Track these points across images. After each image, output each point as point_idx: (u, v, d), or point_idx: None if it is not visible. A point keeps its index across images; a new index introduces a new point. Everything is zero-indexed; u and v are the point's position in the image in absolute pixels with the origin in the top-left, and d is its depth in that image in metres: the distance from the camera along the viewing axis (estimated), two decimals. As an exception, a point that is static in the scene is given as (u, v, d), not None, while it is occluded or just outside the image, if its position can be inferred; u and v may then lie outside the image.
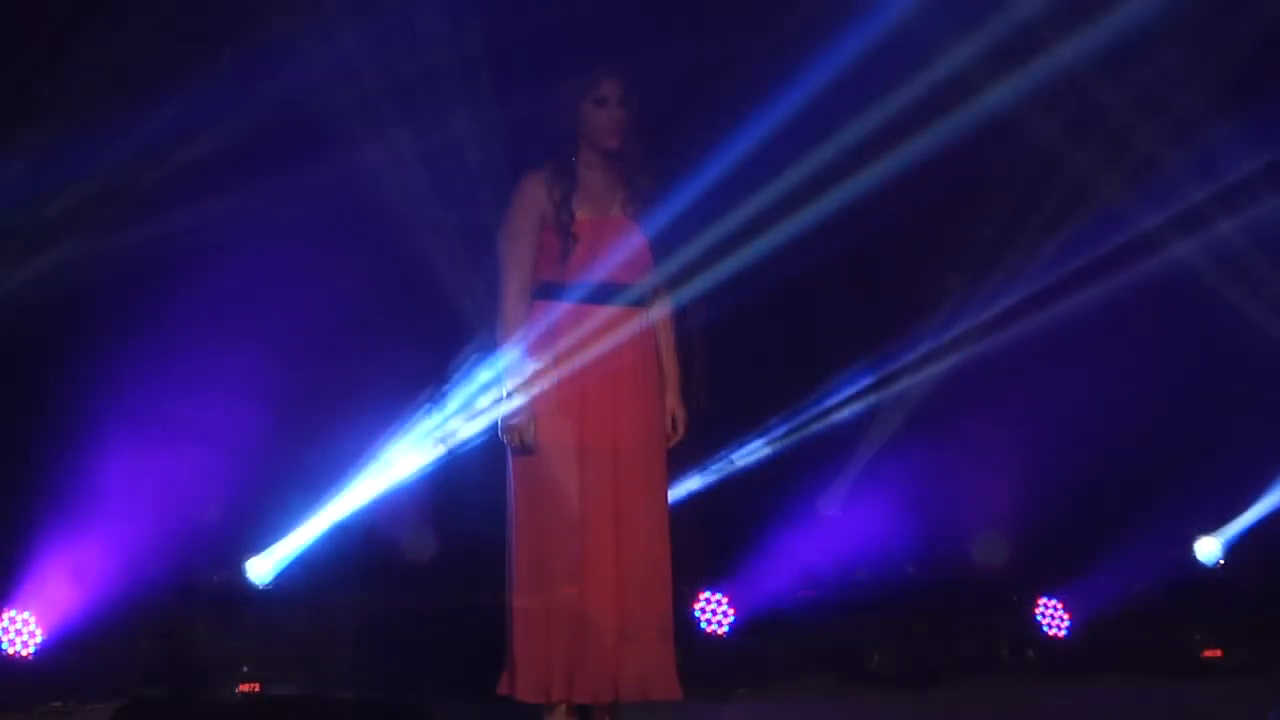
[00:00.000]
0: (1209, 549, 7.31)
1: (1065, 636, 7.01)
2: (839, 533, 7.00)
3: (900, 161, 6.23)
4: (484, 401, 5.46)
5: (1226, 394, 7.28)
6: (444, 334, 6.18)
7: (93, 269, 6.08)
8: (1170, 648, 6.97)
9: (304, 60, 5.93)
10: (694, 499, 6.60)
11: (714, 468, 6.76)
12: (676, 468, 5.37)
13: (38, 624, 6.02)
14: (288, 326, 6.29)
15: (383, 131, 6.25)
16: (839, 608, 6.90)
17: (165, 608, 6.23)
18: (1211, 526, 7.31)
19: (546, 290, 4.58)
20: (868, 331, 7.14)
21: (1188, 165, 6.90)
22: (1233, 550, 7.29)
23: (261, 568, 6.26)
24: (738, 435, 6.89)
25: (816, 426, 7.01)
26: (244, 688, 5.98)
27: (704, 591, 6.66)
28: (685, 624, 6.47)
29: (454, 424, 6.14)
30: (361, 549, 6.39)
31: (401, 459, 6.32)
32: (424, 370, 6.28)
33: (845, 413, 7.07)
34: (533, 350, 4.55)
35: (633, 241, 4.60)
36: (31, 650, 6.00)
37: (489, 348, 4.70)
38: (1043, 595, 7.05)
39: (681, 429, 4.69)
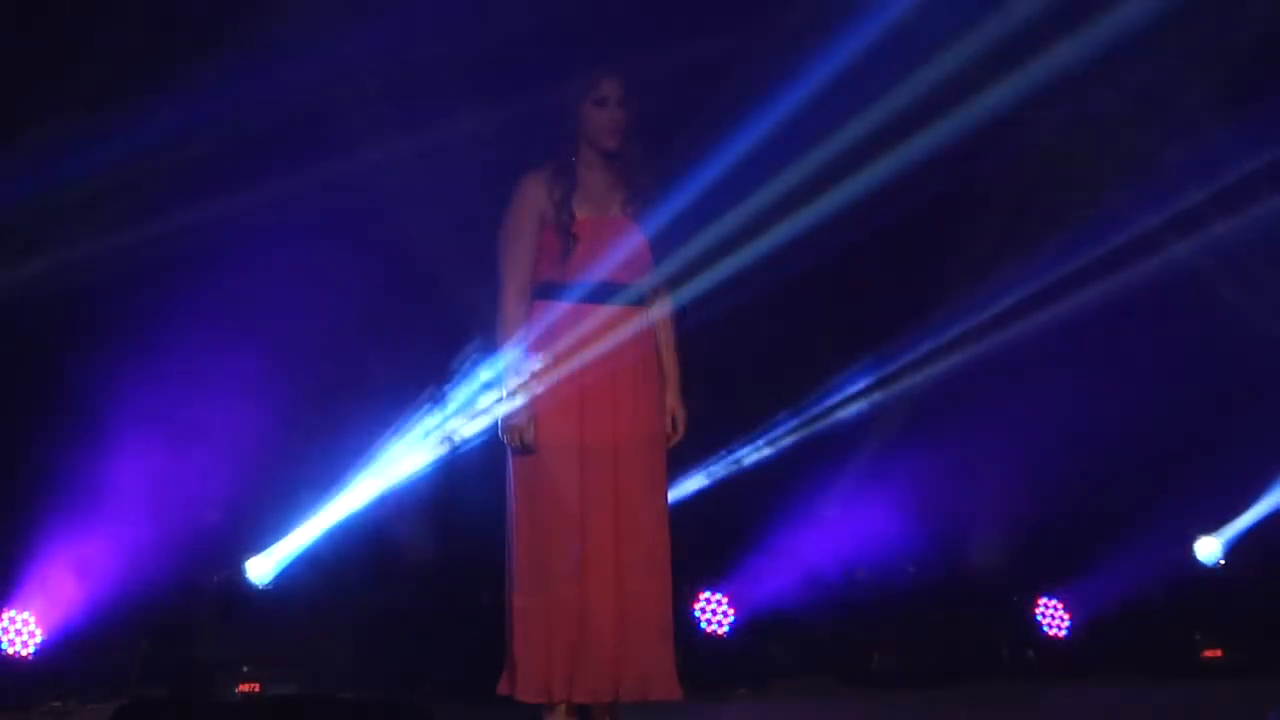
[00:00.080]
0: (1209, 549, 7.30)
1: (1065, 636, 7.00)
2: (839, 533, 7.00)
3: (900, 161, 6.22)
4: (484, 401, 5.46)
5: (1226, 394, 7.28)
6: (444, 334, 6.18)
7: (93, 269, 6.08)
8: (1170, 648, 6.97)
9: (305, 60, 5.92)
10: (694, 499, 6.60)
11: (718, 466, 6.77)
12: (676, 468, 5.37)
13: (38, 624, 6.02)
14: (288, 327, 6.30)
15: (384, 131, 6.25)
16: (839, 608, 6.90)
17: (165, 608, 6.23)
18: (1211, 526, 7.31)
19: (546, 290, 4.58)
20: (868, 331, 7.14)
21: (1188, 165, 6.90)
22: (1233, 550, 7.29)
23: (261, 568, 6.26)
24: (738, 435, 6.89)
25: (816, 426, 7.01)
26: (244, 688, 5.97)
27: (704, 591, 6.66)
28: (685, 624, 6.46)
29: (454, 424, 6.14)
30: (361, 549, 6.38)
31: (402, 459, 6.32)
32: (424, 370, 6.28)
33: (845, 413, 7.07)
34: (533, 350, 4.55)
35: (633, 241, 4.60)
36: (31, 650, 6.00)
37: (489, 348, 4.70)
38: (1043, 595, 7.04)
39: (681, 429, 4.69)
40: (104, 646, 6.12)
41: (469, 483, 6.07)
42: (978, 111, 6.15)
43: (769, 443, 6.93)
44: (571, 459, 4.50)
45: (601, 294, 4.57)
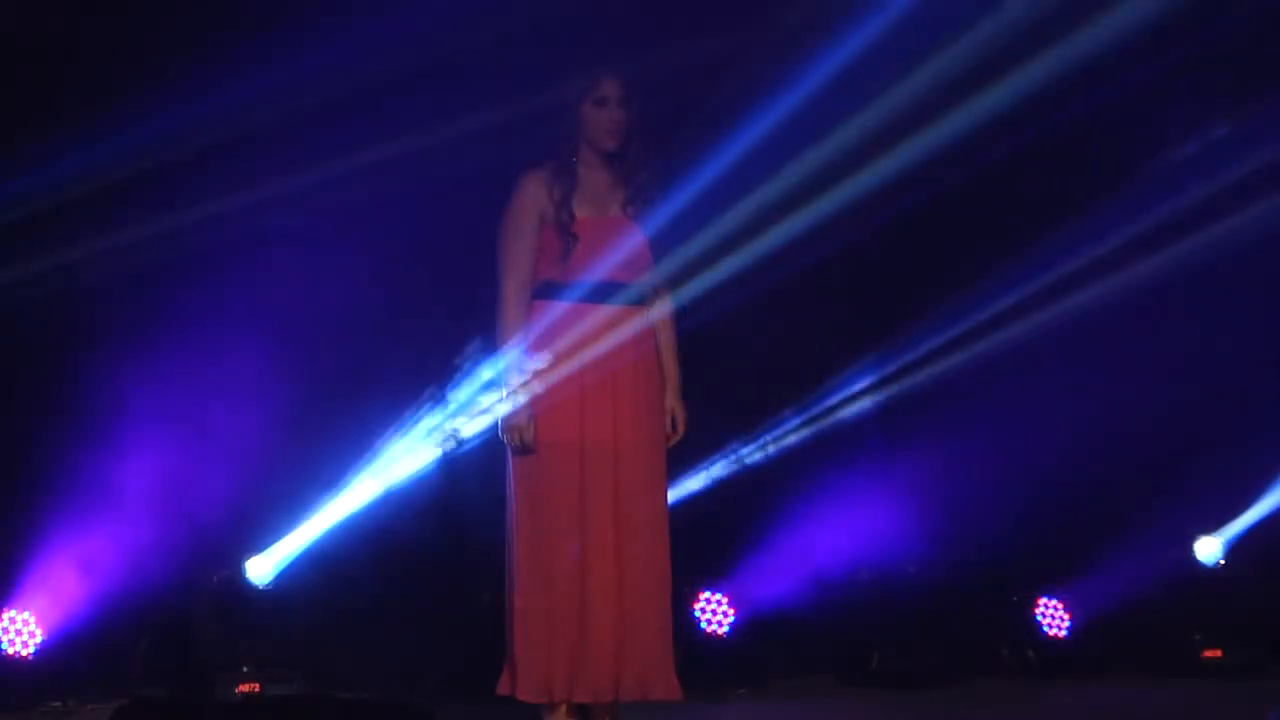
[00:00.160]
0: (1209, 549, 7.31)
1: (1065, 636, 7.01)
2: (839, 533, 7.01)
3: (900, 161, 6.22)
4: (484, 401, 5.46)
5: (1226, 394, 7.27)
6: (444, 334, 6.18)
7: (93, 268, 6.09)
8: (1170, 648, 6.98)
9: (305, 60, 5.92)
10: (694, 499, 6.60)
11: (719, 466, 6.77)
12: (676, 467, 5.37)
13: (38, 624, 6.02)
14: (289, 327, 6.30)
15: (385, 131, 6.25)
16: (839, 607, 6.91)
17: (165, 608, 6.23)
18: (1211, 526, 7.31)
19: (546, 289, 4.58)
20: (867, 332, 7.14)
21: (1187, 165, 6.90)
22: (1233, 550, 7.29)
23: (261, 568, 6.26)
24: (738, 435, 6.89)
25: (816, 426, 7.01)
26: (244, 688, 5.97)
27: (704, 591, 6.66)
28: (685, 624, 6.47)
29: (455, 423, 6.14)
30: (362, 549, 6.38)
31: (402, 459, 6.32)
32: (425, 370, 6.28)
33: (845, 412, 7.07)
34: (533, 350, 4.55)
35: (633, 241, 4.60)
36: (31, 650, 6.00)
37: (489, 347, 4.70)
38: (1043, 595, 7.05)
39: (681, 428, 4.69)
40: (104, 646, 6.13)
41: (469, 482, 6.07)
42: (977, 111, 6.14)
43: (769, 442, 6.93)
44: (571, 459, 4.50)
45: (601, 293, 4.57)
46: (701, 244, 5.26)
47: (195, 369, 6.34)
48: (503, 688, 4.56)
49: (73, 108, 5.97)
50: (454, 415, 6.13)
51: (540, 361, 4.53)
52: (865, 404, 7.11)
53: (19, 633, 6.00)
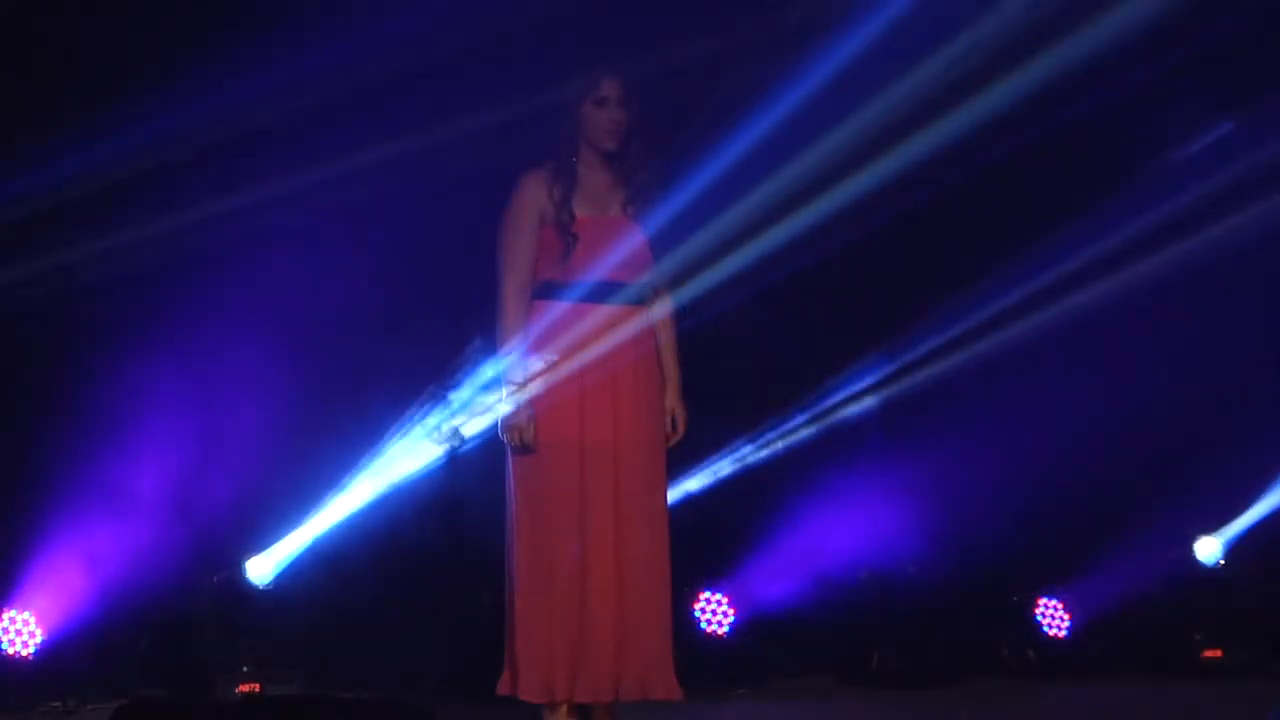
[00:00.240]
0: (1209, 549, 7.31)
1: (1065, 636, 7.01)
2: (839, 533, 7.00)
3: (900, 160, 6.22)
4: (485, 400, 5.46)
5: (1226, 394, 7.27)
6: (444, 334, 6.18)
7: (93, 268, 6.08)
8: (1170, 648, 6.97)
9: (305, 61, 5.93)
10: (694, 499, 6.60)
11: (719, 465, 6.77)
12: (676, 467, 5.37)
13: (38, 624, 6.02)
14: (289, 327, 6.30)
15: (385, 131, 6.25)
16: (839, 607, 6.90)
17: (165, 608, 6.23)
18: (1211, 526, 7.31)
19: (546, 289, 4.58)
20: (867, 332, 7.14)
21: (1187, 165, 6.90)
22: (1233, 550, 7.29)
23: (261, 568, 6.26)
24: (738, 434, 6.89)
25: (816, 426, 7.01)
26: (244, 688, 5.97)
27: (704, 591, 6.66)
28: (685, 624, 6.47)
29: (455, 423, 6.14)
30: (362, 549, 6.38)
31: (403, 459, 6.32)
32: (425, 370, 6.28)
33: (845, 413, 7.07)
34: (533, 349, 4.55)
35: (633, 240, 4.60)
36: (31, 650, 6.00)
37: (490, 347, 4.70)
38: (1043, 595, 7.05)
39: (681, 428, 4.69)
40: (104, 647, 6.13)
41: (469, 482, 6.07)
42: (977, 111, 6.14)
43: (768, 442, 6.93)
44: (571, 458, 4.50)
45: (601, 293, 4.57)
46: (701, 244, 5.25)
47: (195, 369, 6.33)
48: (503, 688, 4.56)
49: (73, 108, 5.97)
50: (454, 415, 6.13)
51: (540, 361, 4.53)
52: (865, 404, 7.11)
53: (19, 633, 6.00)
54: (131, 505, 6.18)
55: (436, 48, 6.07)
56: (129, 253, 6.08)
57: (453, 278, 6.14)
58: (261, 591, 6.26)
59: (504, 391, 4.56)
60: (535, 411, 4.51)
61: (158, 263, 6.15)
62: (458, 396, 6.07)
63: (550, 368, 4.52)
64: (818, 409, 7.02)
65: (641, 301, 4.63)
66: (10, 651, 5.98)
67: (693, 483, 6.66)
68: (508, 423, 4.53)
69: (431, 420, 6.21)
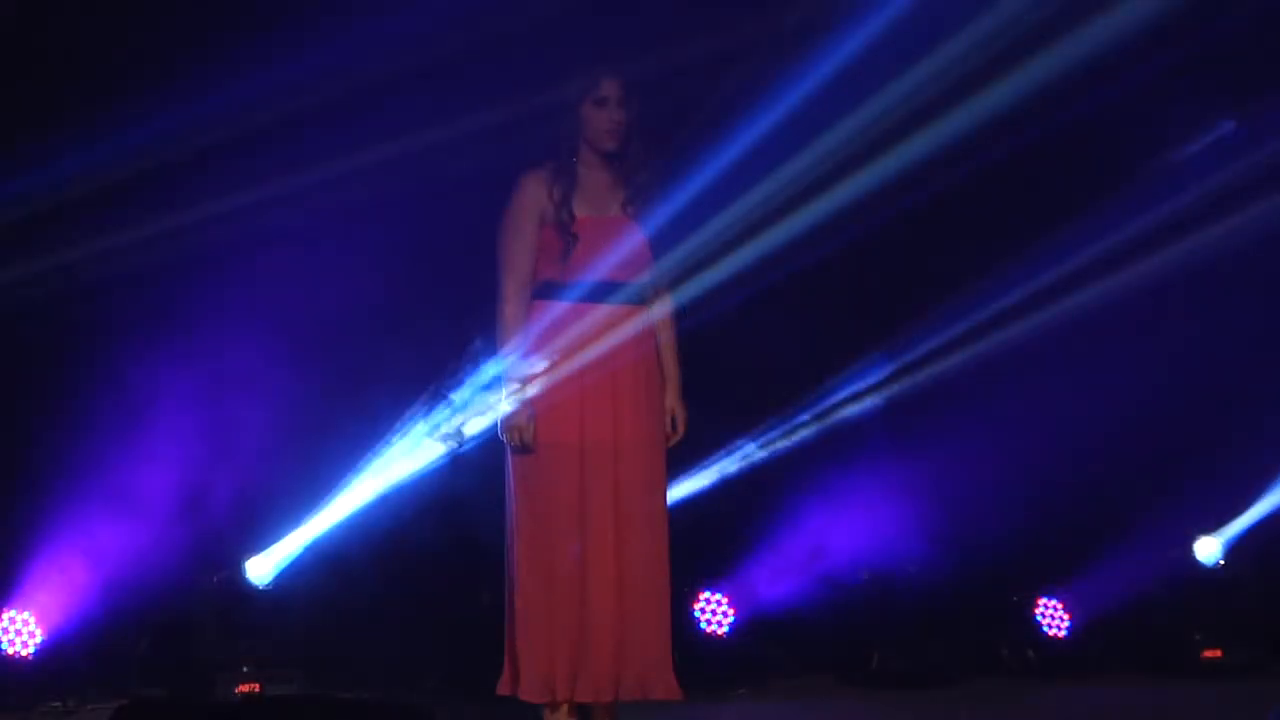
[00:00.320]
0: (1209, 549, 7.31)
1: (1065, 636, 7.01)
2: (839, 533, 7.01)
3: (900, 160, 6.22)
4: (485, 400, 5.46)
5: (1226, 394, 7.28)
6: (444, 334, 6.18)
7: (93, 268, 6.08)
8: (1170, 648, 6.97)
9: (305, 61, 5.92)
10: (694, 499, 6.60)
11: (719, 465, 6.76)
12: (676, 467, 5.37)
13: (38, 624, 6.02)
14: (289, 327, 6.30)
15: (385, 131, 6.25)
16: (839, 608, 6.90)
17: (165, 608, 6.23)
18: (1211, 526, 7.31)
19: (546, 289, 4.58)
20: (867, 332, 7.14)
21: (1187, 165, 6.90)
22: (1233, 550, 7.29)
23: (261, 568, 6.26)
24: (738, 434, 6.89)
25: (816, 426, 7.01)
26: (244, 688, 5.97)
27: (704, 591, 6.66)
28: (685, 624, 6.47)
29: (455, 423, 6.14)
30: (362, 549, 6.38)
31: (403, 459, 6.31)
32: (424, 370, 6.28)
33: (845, 413, 7.07)
34: (533, 349, 4.55)
35: (632, 240, 4.60)
36: (31, 650, 6.00)
37: (490, 347, 4.70)
38: (1043, 595, 7.05)
39: (681, 428, 4.69)
40: (104, 646, 6.12)
41: (470, 482, 6.07)
42: (976, 111, 6.14)
43: (768, 442, 6.93)
44: (571, 458, 4.50)
45: (601, 293, 4.57)
46: (701, 244, 5.26)
47: (195, 370, 6.33)
48: (503, 687, 4.56)
49: (73, 108, 5.97)
50: (454, 415, 6.12)
51: (540, 361, 4.53)
52: (865, 404, 7.11)
53: (19, 633, 6.00)
54: (131, 505, 6.17)
55: (436, 48, 6.07)
56: (129, 253, 6.08)
57: (453, 278, 6.14)
58: (261, 591, 6.26)
59: (504, 391, 4.56)
60: (535, 411, 4.51)
61: (158, 263, 6.15)
62: (458, 396, 6.07)
63: (550, 368, 4.52)
64: (817, 409, 7.01)
65: (641, 301, 4.63)
66: (10, 651, 5.98)
67: (693, 483, 6.66)
68: (508, 423, 4.53)
69: (432, 420, 6.21)
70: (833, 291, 7.25)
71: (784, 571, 6.84)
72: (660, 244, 4.66)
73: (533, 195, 4.58)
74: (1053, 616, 7.03)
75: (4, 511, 6.16)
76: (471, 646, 5.99)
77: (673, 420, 4.67)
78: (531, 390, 4.52)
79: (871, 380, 7.09)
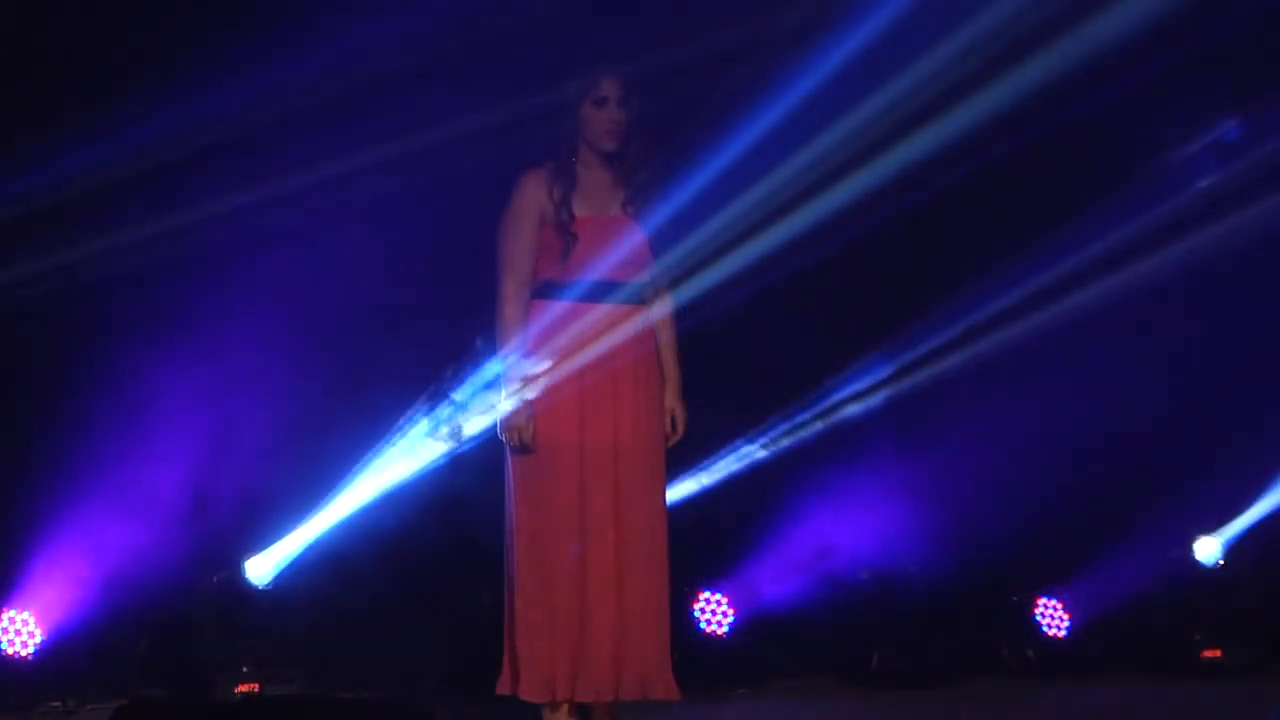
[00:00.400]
0: (1209, 549, 7.31)
1: (1065, 636, 7.01)
2: (839, 533, 7.01)
3: (900, 159, 6.22)
4: (485, 400, 5.46)
5: (1227, 393, 7.28)
6: (444, 334, 6.18)
7: (93, 268, 6.08)
8: (1170, 648, 6.97)
9: (305, 61, 5.93)
10: (694, 499, 6.60)
11: (719, 465, 6.77)
12: (676, 467, 5.37)
13: (38, 624, 6.02)
14: (289, 327, 6.30)
15: (385, 131, 6.25)
16: (839, 608, 6.90)
17: (165, 608, 6.23)
18: (1211, 526, 7.31)
19: (546, 289, 4.58)
20: (867, 332, 7.14)
21: (1187, 165, 6.90)
22: (1233, 550, 7.29)
23: (261, 568, 6.26)
24: (738, 434, 6.89)
25: (817, 426, 7.00)
26: (244, 688, 5.97)
27: (704, 591, 6.66)
28: (685, 624, 6.47)
29: (454, 423, 6.14)
30: (362, 549, 6.38)
31: (403, 458, 6.31)
32: (424, 370, 6.28)
33: (846, 413, 7.07)
34: (532, 349, 4.55)
35: (632, 240, 4.60)
36: (31, 650, 6.00)
37: (489, 347, 4.70)
38: (1043, 595, 7.05)
39: (681, 428, 4.69)
40: (104, 646, 6.12)
41: (470, 482, 6.07)
42: (976, 110, 6.14)
43: (768, 443, 6.93)
44: (571, 458, 4.50)
45: (601, 293, 4.57)
46: (701, 243, 5.26)
47: (195, 370, 6.33)
48: (503, 687, 4.56)
49: (73, 108, 5.97)
50: (454, 415, 6.13)
51: (540, 361, 4.53)
52: (865, 404, 7.11)
53: (19, 633, 6.00)
54: (131, 505, 6.18)
55: (436, 48, 6.07)
56: (129, 253, 6.08)
57: (453, 278, 6.14)
58: (261, 591, 6.25)
59: (504, 391, 4.56)
60: (535, 411, 4.51)
61: (158, 263, 6.15)
62: (458, 396, 6.07)
63: (550, 367, 4.52)
64: (817, 409, 7.01)
65: (641, 301, 4.63)
66: (10, 651, 5.97)
67: (693, 482, 6.66)
68: (507, 423, 4.53)
69: (432, 420, 6.21)
70: (833, 291, 7.25)
71: (784, 571, 6.84)
72: (660, 244, 4.66)
73: (533, 195, 4.58)
74: (1053, 616, 7.03)
75: (4, 511, 6.16)
76: (471, 646, 5.99)
77: (673, 420, 4.67)
78: (531, 390, 4.51)
79: (871, 380, 7.09)
